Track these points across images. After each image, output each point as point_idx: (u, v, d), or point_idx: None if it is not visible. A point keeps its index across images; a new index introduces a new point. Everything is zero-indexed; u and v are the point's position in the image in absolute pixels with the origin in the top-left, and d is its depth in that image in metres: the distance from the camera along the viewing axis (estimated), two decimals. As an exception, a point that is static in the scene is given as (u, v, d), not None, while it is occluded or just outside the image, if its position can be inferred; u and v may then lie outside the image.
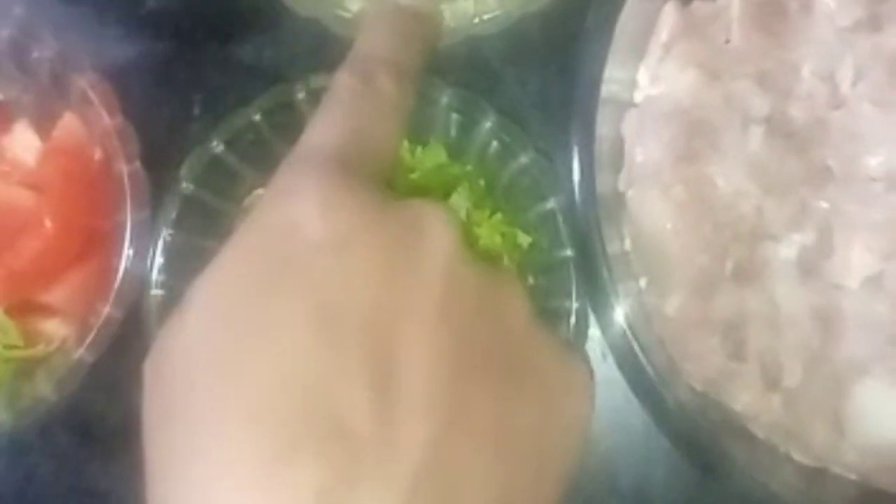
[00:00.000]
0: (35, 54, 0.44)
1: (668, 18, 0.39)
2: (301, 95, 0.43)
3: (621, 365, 0.36)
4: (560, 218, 0.41)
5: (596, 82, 0.36)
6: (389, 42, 0.34)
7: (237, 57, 0.51)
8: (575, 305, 0.40)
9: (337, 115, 0.31)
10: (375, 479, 0.24)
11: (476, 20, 0.43)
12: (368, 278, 0.26)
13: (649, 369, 0.35)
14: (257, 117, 0.43)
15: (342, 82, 0.32)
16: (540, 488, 0.29)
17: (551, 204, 0.41)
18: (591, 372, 0.31)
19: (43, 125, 0.45)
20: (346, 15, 0.43)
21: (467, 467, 0.26)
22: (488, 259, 0.31)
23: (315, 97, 0.43)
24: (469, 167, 0.45)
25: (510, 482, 0.27)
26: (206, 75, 0.51)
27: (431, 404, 0.26)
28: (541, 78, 0.49)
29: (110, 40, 0.50)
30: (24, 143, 0.44)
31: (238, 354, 0.25)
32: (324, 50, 0.49)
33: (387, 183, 0.31)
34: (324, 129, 0.30)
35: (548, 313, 0.42)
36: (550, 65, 0.49)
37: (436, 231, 0.28)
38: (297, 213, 0.27)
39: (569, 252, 0.40)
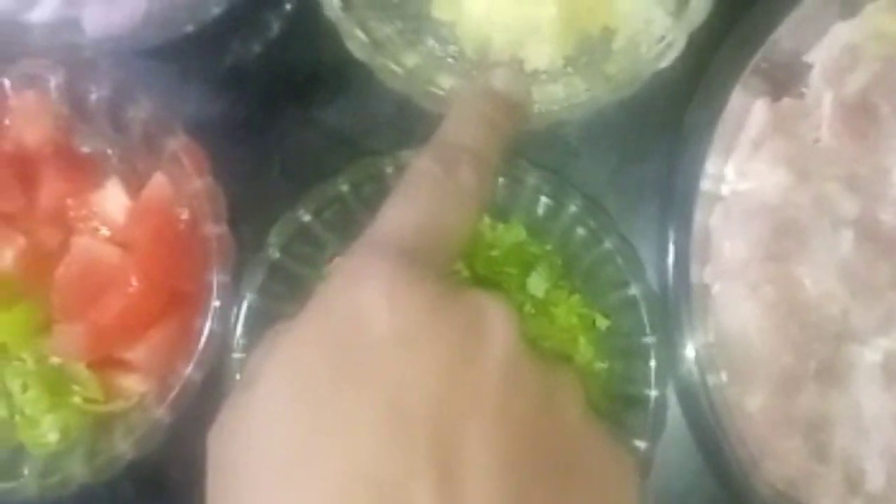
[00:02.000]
0: (129, 114, 0.45)
1: (759, 115, 0.40)
2: (389, 170, 0.43)
3: (707, 456, 0.36)
4: (643, 305, 0.41)
5: (696, 176, 0.37)
6: (477, 130, 0.34)
7: (319, 121, 0.51)
8: (654, 393, 0.41)
9: (414, 203, 0.31)
10: None
11: (565, 105, 0.43)
12: (434, 375, 0.27)
13: (734, 464, 0.36)
14: (345, 188, 0.43)
15: (424, 167, 0.32)
16: None
17: (634, 290, 0.41)
18: (639, 465, 0.31)
19: (132, 183, 0.46)
20: (439, 92, 0.44)
21: None
22: (546, 350, 0.31)
23: (402, 172, 0.43)
24: (548, 247, 0.45)
25: None
26: (288, 137, 0.51)
27: None
28: (617, 159, 0.49)
29: (192, 99, 0.51)
30: (114, 200, 0.45)
31: (307, 447, 0.26)
32: (406, 120, 0.50)
33: (450, 266, 0.32)
34: (399, 216, 0.31)
35: (624, 399, 0.42)
36: (627, 147, 0.49)
37: (497, 326, 0.28)
38: (364, 304, 0.27)
39: (651, 339, 0.41)
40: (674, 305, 0.37)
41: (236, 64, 0.52)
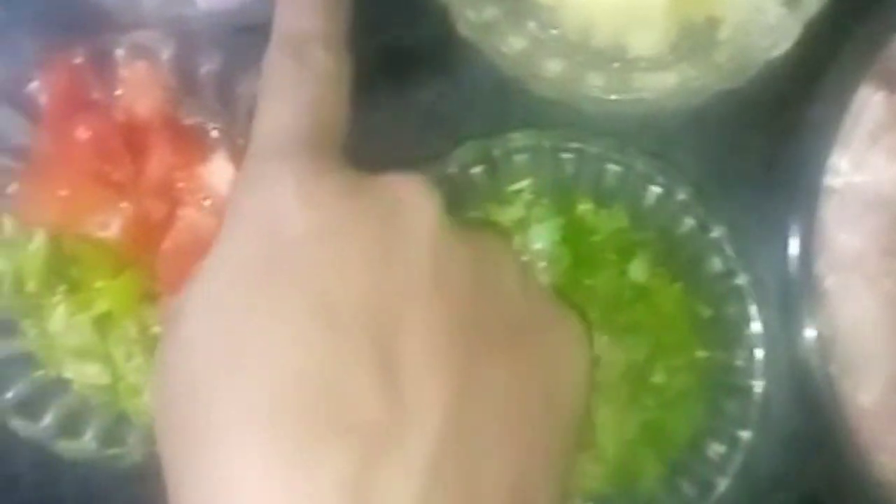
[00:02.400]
0: (237, 89, 0.45)
1: (877, 109, 0.40)
2: (497, 152, 0.44)
3: (819, 448, 0.36)
4: (751, 295, 0.41)
5: (819, 171, 0.37)
6: (309, 13, 0.33)
7: (416, 101, 0.51)
8: (760, 384, 0.41)
9: (282, 97, 0.31)
10: (394, 463, 0.24)
11: (675, 93, 0.43)
12: (358, 264, 0.26)
13: (848, 458, 0.36)
14: (454, 170, 0.44)
15: (276, 63, 0.32)
16: (555, 446, 0.29)
17: (741, 280, 0.41)
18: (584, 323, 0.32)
19: (234, 159, 0.46)
20: (548, 75, 0.44)
21: (483, 438, 0.26)
22: (472, 219, 0.31)
23: (511, 155, 0.44)
24: (649, 234, 0.45)
25: (528, 444, 0.28)
26: (382, 117, 0.51)
27: (439, 381, 0.26)
28: (716, 149, 0.49)
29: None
30: (221, 173, 0.46)
31: (241, 355, 0.25)
32: (503, 104, 0.50)
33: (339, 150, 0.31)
34: (276, 113, 0.30)
35: (726, 388, 0.42)
36: (726, 137, 0.49)
37: (416, 203, 0.28)
38: (277, 206, 0.27)
39: (757, 330, 0.41)
40: (790, 298, 0.37)
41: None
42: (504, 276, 0.30)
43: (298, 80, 0.31)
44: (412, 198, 0.28)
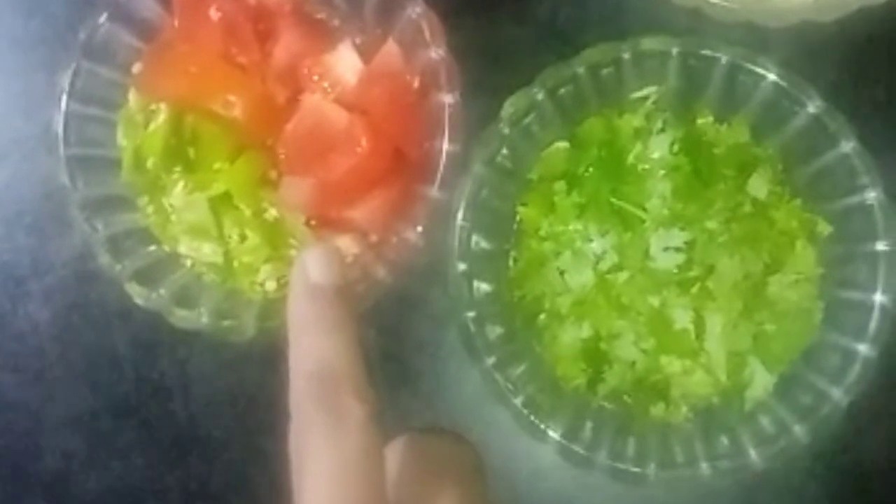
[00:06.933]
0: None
1: None
2: (626, 56, 0.43)
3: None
4: (879, 212, 0.41)
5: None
6: (331, 343, 0.28)
7: (532, 12, 0.51)
8: (882, 299, 0.40)
9: (327, 476, 0.26)
10: None
11: (814, 6, 0.43)
12: None
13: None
14: (581, 70, 0.43)
15: (310, 421, 0.26)
16: None
17: (869, 196, 0.41)
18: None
19: (365, 49, 0.46)
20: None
21: None
22: None
23: (641, 59, 0.43)
24: (771, 150, 0.45)
25: None
26: (498, 27, 0.51)
27: None
28: (834, 77, 0.48)
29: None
30: (346, 63, 0.46)
31: None
32: (618, 19, 0.50)
33: None
34: (320, 487, 0.26)
35: (845, 303, 0.42)
36: (843, 66, 0.49)
37: None
38: None
39: (883, 246, 0.41)
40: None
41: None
42: None
43: (337, 447, 0.26)
44: None
